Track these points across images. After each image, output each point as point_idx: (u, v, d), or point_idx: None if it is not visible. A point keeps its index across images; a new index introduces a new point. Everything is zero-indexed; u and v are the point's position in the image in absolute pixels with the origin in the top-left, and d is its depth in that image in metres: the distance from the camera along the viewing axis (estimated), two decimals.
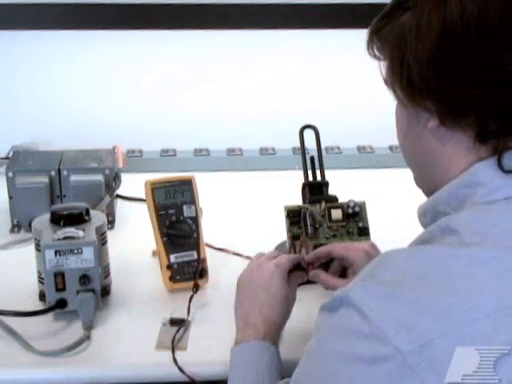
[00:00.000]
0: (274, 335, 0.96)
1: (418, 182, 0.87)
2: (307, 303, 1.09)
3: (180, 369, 0.96)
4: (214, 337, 1.03)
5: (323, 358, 0.71)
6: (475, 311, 0.66)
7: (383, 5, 0.82)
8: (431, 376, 0.65)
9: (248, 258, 1.22)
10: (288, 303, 1.00)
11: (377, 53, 0.82)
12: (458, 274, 0.68)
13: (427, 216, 0.81)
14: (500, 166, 0.74)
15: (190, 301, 1.08)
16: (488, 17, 0.72)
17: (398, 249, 0.74)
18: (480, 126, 0.75)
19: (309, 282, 1.16)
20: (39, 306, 1.07)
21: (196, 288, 1.12)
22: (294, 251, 1.12)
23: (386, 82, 0.83)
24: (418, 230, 0.81)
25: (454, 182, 0.77)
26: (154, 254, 1.22)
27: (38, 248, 1.07)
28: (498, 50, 0.73)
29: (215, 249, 1.28)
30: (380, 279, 0.71)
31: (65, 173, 1.35)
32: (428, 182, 0.83)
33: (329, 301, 0.72)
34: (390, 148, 1.69)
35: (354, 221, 1.11)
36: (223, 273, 1.21)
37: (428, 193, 0.83)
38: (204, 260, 1.17)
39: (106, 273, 1.12)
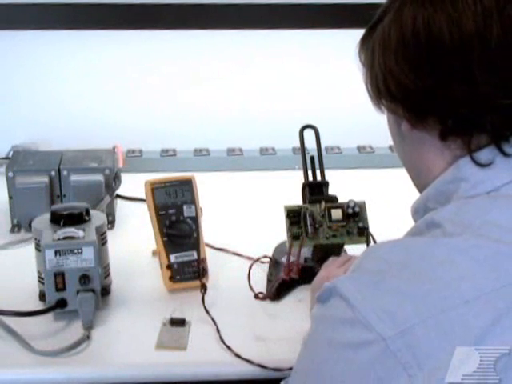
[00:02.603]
0: None
1: (413, 182, 0.90)
2: (307, 303, 1.09)
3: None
4: (214, 337, 1.03)
5: (314, 346, 0.74)
6: (454, 297, 0.67)
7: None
8: (412, 361, 0.66)
9: (248, 258, 1.22)
10: None
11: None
12: (439, 262, 0.70)
13: (419, 213, 0.83)
14: (474, 161, 0.77)
15: (203, 301, 1.08)
16: (435, 23, 0.75)
17: (383, 242, 0.77)
18: (441, 125, 0.78)
19: (309, 281, 1.16)
20: (39, 306, 1.07)
21: (204, 288, 1.12)
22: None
23: None
24: None
25: (440, 179, 0.81)
26: (154, 253, 1.22)
27: (38, 248, 1.07)
28: (447, 55, 0.75)
29: (215, 249, 1.28)
30: (365, 270, 0.74)
31: (65, 173, 1.35)
32: (418, 183, 0.87)
33: (320, 292, 0.74)
34: (390, 148, 1.68)
35: (354, 221, 1.11)
36: (223, 273, 1.21)
37: (421, 192, 0.86)
38: (204, 260, 1.16)
39: (106, 273, 1.12)
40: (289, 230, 1.11)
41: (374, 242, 1.09)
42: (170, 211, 1.15)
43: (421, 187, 0.85)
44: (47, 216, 1.10)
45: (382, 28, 0.81)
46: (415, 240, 0.76)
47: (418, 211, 0.84)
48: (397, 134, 0.86)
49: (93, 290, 1.04)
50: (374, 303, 0.69)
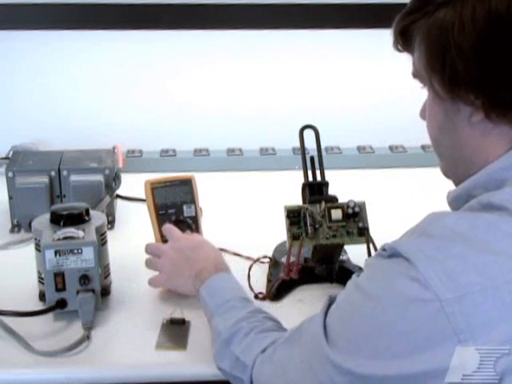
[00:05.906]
0: (225, 266, 1.07)
1: (448, 172, 0.87)
2: (307, 303, 1.09)
3: None
4: None
5: (369, 291, 0.74)
6: None
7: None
8: (464, 327, 0.67)
9: (248, 258, 1.22)
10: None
11: (403, 47, 0.83)
12: (504, 236, 0.70)
13: (459, 202, 0.81)
14: None
15: None
16: None
17: (446, 211, 0.77)
18: None
19: (309, 281, 1.16)
20: (39, 306, 1.07)
21: None
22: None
23: (416, 75, 0.83)
24: None
25: (492, 167, 0.78)
26: None
27: (37, 248, 1.07)
28: None
29: None
30: (429, 234, 0.73)
31: (65, 173, 1.35)
32: (462, 174, 0.83)
33: (385, 247, 0.75)
34: (390, 148, 1.69)
35: (354, 221, 1.11)
36: None
37: (459, 183, 0.84)
38: None
39: (106, 273, 1.12)
40: (289, 230, 1.11)
41: (373, 242, 1.09)
42: (170, 211, 1.15)
43: (463, 177, 0.82)
44: (47, 216, 1.10)
45: (454, 10, 0.75)
46: (481, 215, 0.74)
47: (459, 199, 0.82)
48: (446, 121, 0.81)
49: (93, 290, 1.04)
50: (436, 265, 0.69)
